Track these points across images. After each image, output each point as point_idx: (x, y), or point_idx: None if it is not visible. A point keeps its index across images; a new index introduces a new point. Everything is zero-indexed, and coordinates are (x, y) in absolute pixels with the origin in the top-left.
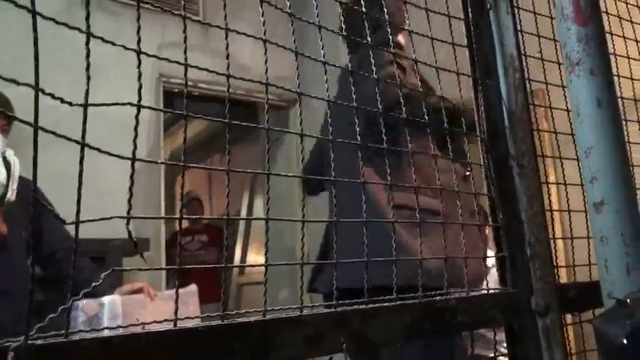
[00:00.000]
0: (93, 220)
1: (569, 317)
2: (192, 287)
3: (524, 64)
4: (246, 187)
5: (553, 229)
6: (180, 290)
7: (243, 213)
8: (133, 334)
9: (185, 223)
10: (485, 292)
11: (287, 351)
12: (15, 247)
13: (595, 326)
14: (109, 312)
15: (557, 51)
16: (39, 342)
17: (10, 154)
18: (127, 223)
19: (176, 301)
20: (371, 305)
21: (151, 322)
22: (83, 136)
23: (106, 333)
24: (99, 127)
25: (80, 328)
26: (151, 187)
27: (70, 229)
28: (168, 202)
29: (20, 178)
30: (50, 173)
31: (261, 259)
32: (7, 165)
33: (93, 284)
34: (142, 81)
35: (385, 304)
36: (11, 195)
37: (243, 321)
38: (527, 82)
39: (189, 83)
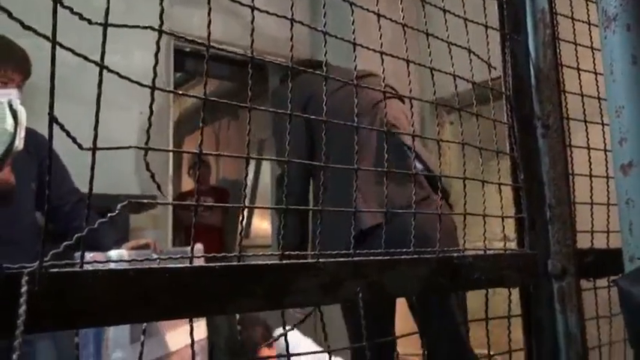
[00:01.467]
0: (110, 149)
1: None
2: (198, 246)
3: (555, 21)
4: (253, 150)
5: (574, 193)
6: (186, 248)
7: (250, 177)
8: (150, 269)
9: (191, 185)
10: (503, 251)
11: (302, 296)
12: (22, 198)
13: (619, 286)
14: (116, 266)
15: (588, 12)
16: (54, 270)
17: (17, 103)
18: (145, 155)
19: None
20: (388, 257)
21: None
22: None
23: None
24: (107, 83)
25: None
26: (160, 145)
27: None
28: (176, 164)
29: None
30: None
31: (266, 224)
32: (14, 113)
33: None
34: (153, 39)
35: (402, 257)
36: (19, 144)
37: (260, 263)
38: (556, 41)
39: (200, 42)
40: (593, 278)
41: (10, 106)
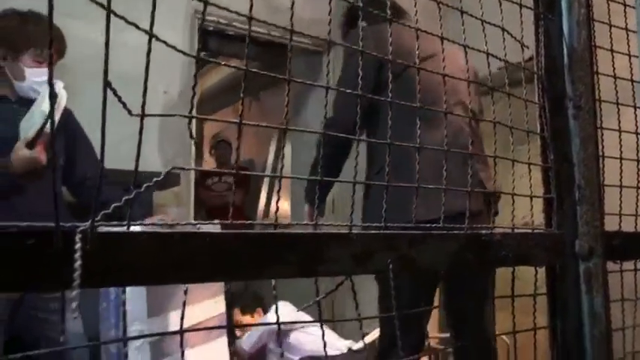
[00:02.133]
0: (158, 115)
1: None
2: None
3: (590, 1)
4: (275, 131)
5: (603, 175)
6: (209, 225)
7: (271, 158)
8: (193, 233)
9: (213, 164)
10: (531, 230)
11: (335, 265)
12: (49, 173)
13: None
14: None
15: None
16: (103, 229)
17: (60, 87)
18: (189, 123)
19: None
20: (419, 231)
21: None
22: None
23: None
24: (128, 61)
25: None
26: (183, 124)
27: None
28: (198, 142)
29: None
30: (84, 104)
31: (287, 204)
32: (54, 96)
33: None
34: (177, 17)
35: (432, 232)
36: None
37: (295, 232)
38: (591, 21)
39: (224, 22)
40: (620, 261)
41: (52, 89)
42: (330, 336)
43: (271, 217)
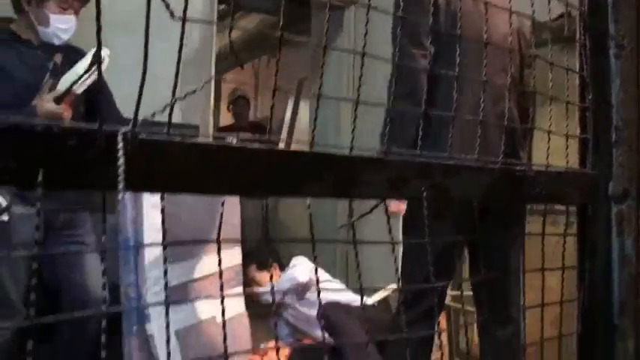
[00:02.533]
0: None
1: None
2: None
3: None
4: (293, 88)
5: None
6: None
7: (288, 115)
8: (231, 146)
9: (230, 120)
10: (565, 169)
11: (370, 189)
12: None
13: None
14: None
15: None
16: (143, 135)
17: (106, 54)
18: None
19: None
20: (453, 162)
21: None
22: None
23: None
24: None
25: (126, 201)
26: (202, 79)
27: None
28: (216, 97)
29: (76, 50)
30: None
31: None
32: (97, 62)
33: None
34: None
35: (467, 164)
36: (77, 88)
37: (332, 153)
38: None
39: None
40: None
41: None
42: (346, 294)
43: None
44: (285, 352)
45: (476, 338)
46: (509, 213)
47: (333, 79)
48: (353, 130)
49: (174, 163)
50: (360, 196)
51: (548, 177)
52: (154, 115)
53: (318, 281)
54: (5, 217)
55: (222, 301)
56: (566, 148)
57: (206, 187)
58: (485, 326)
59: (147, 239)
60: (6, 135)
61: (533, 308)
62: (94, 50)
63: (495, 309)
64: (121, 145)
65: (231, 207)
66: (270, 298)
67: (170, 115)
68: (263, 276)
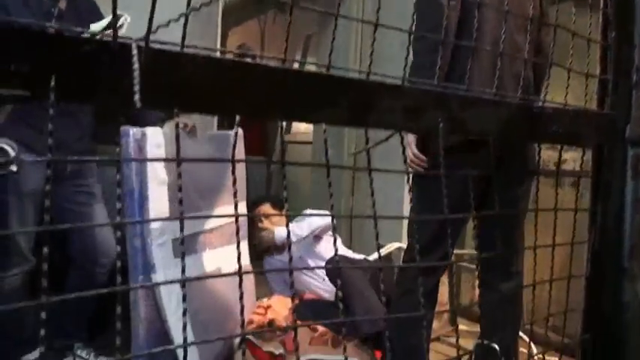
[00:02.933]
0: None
1: None
2: (239, 131)
3: None
4: (299, 46)
5: None
6: (227, 132)
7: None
8: (246, 62)
9: None
10: (583, 109)
11: (386, 116)
12: None
13: None
14: (152, 140)
15: None
16: (157, 46)
17: (125, 20)
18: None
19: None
20: (470, 94)
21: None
22: None
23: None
24: None
25: (130, 152)
26: (207, 35)
27: None
28: (222, 53)
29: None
30: None
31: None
32: (114, 24)
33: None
34: None
35: (485, 97)
36: None
37: (350, 77)
38: None
39: None
40: None
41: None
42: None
43: (293, 132)
44: (286, 303)
45: (476, 295)
46: (522, 164)
47: (342, 36)
48: (371, 53)
49: (188, 78)
50: (376, 125)
51: (566, 116)
52: (157, 28)
53: (334, 229)
54: (14, 168)
55: (238, 259)
56: (586, 87)
57: (219, 105)
58: (488, 281)
59: (151, 191)
60: (19, 37)
61: (544, 247)
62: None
63: (501, 263)
64: (135, 52)
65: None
66: (283, 239)
67: (185, 27)
68: (277, 216)
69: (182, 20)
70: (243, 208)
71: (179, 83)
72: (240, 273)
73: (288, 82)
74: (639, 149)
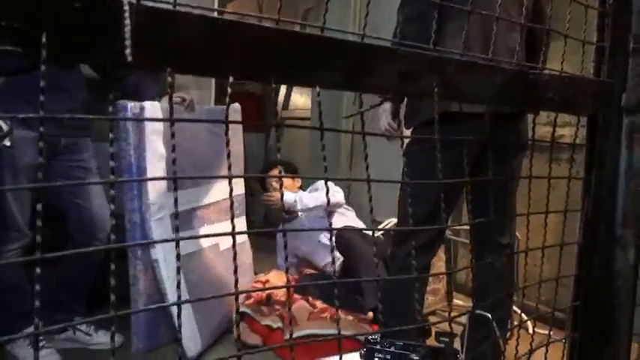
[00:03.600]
0: None
1: None
2: (235, 105)
3: None
4: (297, 19)
5: None
6: (225, 107)
7: None
8: (239, 22)
9: None
10: (579, 76)
11: (381, 80)
12: None
13: None
14: (150, 113)
15: None
16: (149, 3)
17: None
18: None
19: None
20: (465, 59)
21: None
22: None
23: (215, 15)
24: None
25: (128, 126)
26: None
27: None
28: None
29: None
30: None
31: (305, 98)
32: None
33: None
34: None
35: (480, 62)
36: None
37: (345, 40)
38: None
39: None
40: None
41: None
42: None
43: (290, 109)
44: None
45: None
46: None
47: (340, 9)
48: (366, 15)
49: (181, 37)
50: (371, 89)
51: (562, 82)
52: None
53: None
54: (7, 142)
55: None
56: (582, 55)
57: (213, 66)
58: (481, 254)
59: (149, 165)
60: None
61: (538, 215)
62: None
63: (493, 236)
64: (127, 8)
65: (235, 137)
66: (288, 203)
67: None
68: (287, 181)
69: None
70: (240, 182)
71: (172, 42)
72: (233, 233)
73: (282, 43)
74: (634, 117)
